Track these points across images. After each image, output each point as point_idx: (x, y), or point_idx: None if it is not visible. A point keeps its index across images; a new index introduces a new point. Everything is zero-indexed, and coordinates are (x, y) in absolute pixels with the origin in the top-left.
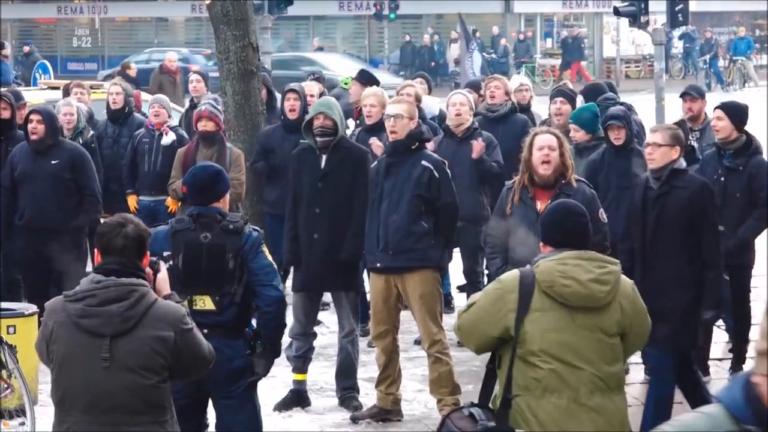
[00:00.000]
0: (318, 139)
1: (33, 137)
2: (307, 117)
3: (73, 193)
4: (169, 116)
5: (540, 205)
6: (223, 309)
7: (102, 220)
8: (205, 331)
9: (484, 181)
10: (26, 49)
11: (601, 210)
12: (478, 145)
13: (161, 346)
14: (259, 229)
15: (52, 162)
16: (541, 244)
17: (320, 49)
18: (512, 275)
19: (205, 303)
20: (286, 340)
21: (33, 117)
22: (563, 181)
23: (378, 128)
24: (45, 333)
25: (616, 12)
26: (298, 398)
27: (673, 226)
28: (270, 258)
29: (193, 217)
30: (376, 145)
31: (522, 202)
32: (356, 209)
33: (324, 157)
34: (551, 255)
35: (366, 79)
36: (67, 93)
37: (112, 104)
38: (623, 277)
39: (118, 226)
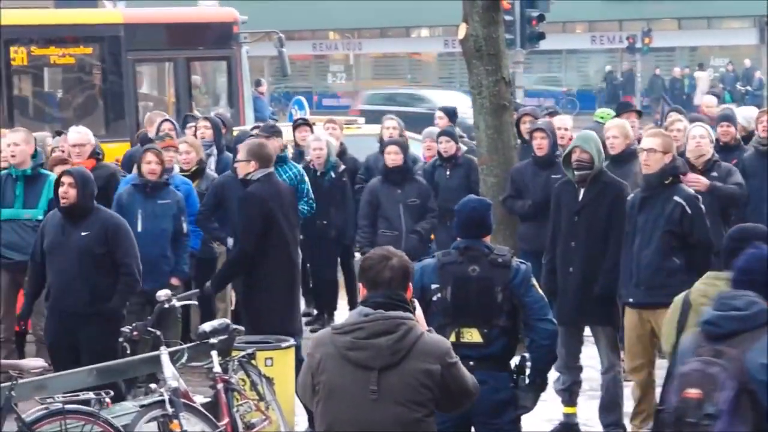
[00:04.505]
0: (576, 172)
1: (63, 202)
2: (565, 151)
3: (107, 271)
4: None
5: None
6: (490, 341)
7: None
8: (472, 363)
9: (725, 210)
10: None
11: None
12: (693, 181)
13: (428, 379)
14: (526, 262)
15: (82, 234)
16: None
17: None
18: (682, 294)
19: (473, 335)
20: (553, 374)
21: (64, 179)
22: None
23: (623, 159)
24: (311, 364)
25: None
26: (568, 431)
27: None
28: (541, 291)
29: (460, 250)
30: None
31: None
32: (612, 243)
33: (582, 190)
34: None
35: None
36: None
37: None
38: None
39: (384, 259)
